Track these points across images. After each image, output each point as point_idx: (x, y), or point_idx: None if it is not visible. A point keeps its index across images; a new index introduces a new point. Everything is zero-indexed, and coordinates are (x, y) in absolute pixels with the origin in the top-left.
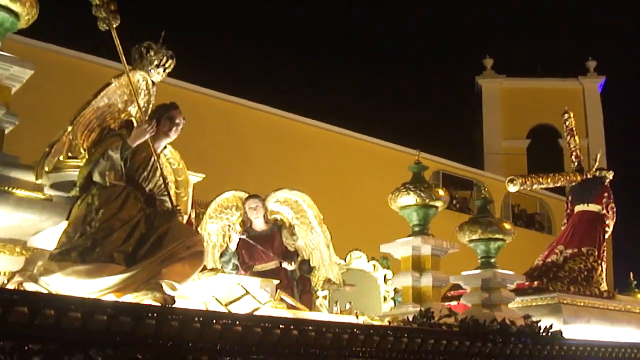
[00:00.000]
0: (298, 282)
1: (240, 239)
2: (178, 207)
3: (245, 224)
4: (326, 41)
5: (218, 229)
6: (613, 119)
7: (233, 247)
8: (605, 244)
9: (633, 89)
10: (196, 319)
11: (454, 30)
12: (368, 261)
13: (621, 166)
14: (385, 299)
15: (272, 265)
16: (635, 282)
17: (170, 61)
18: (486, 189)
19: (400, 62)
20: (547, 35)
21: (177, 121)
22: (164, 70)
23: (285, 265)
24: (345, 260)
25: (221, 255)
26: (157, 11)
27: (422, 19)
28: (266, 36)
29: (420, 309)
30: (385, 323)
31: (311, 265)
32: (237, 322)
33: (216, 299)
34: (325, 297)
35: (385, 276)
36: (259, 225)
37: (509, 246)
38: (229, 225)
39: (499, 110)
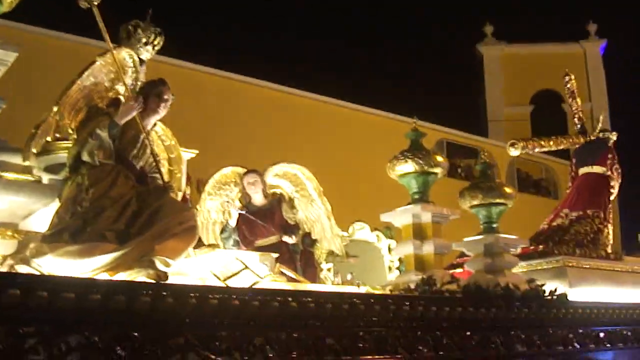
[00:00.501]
0: (301, 256)
1: (240, 214)
2: (170, 184)
3: (245, 199)
4: (323, 13)
5: (217, 205)
6: (616, 82)
7: (233, 223)
8: (611, 205)
9: (635, 51)
10: (192, 294)
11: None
12: (371, 232)
13: (625, 127)
14: (390, 269)
15: (273, 239)
16: None
17: (158, 38)
18: (486, 154)
19: (400, 32)
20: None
21: (165, 97)
22: (153, 48)
23: (286, 238)
24: (348, 232)
25: (221, 232)
26: None
27: None
28: (262, 12)
29: (422, 277)
30: (387, 292)
31: (313, 238)
32: (234, 296)
33: (214, 274)
34: (329, 270)
35: (389, 246)
36: (258, 200)
37: (515, 212)
38: (228, 201)
39: (501, 77)
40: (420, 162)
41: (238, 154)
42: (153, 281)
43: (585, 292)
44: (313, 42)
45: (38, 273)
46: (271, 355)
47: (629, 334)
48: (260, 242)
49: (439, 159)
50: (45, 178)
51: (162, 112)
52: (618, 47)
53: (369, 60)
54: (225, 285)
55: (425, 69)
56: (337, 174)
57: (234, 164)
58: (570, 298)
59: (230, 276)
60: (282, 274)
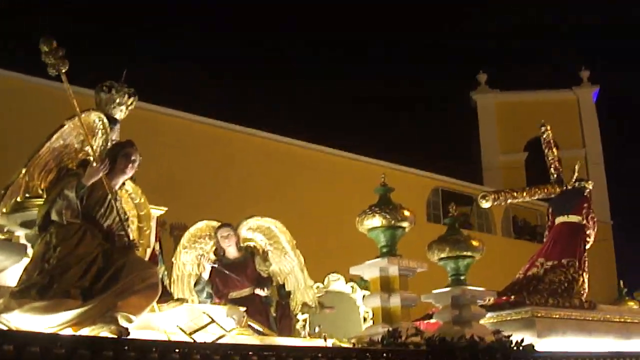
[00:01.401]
0: (277, 307)
1: (213, 267)
2: (134, 242)
3: (219, 252)
4: (312, 54)
5: (192, 258)
6: (610, 128)
7: (206, 276)
8: (586, 254)
9: (628, 96)
10: (153, 349)
11: (447, 47)
12: (346, 283)
13: (620, 174)
14: (365, 319)
15: (246, 292)
16: (625, 290)
17: (132, 99)
18: (454, 208)
19: (395, 81)
20: (540, 48)
21: (132, 158)
22: (127, 108)
23: (258, 291)
24: (323, 283)
25: (195, 284)
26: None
27: (415, 36)
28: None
29: (388, 329)
30: (351, 345)
31: (287, 290)
32: (195, 351)
33: (180, 329)
34: (305, 321)
35: (364, 297)
36: (231, 253)
37: (511, 258)
38: (203, 255)
39: (495, 125)
40: (388, 216)
41: (212, 207)
42: (115, 336)
43: (554, 343)
44: (302, 87)
45: (5, 328)
46: None
47: None
48: (233, 294)
49: (407, 213)
50: (22, 233)
51: (130, 172)
52: (611, 93)
53: (361, 108)
54: (188, 340)
55: (421, 118)
56: (311, 226)
57: (208, 218)
58: (537, 348)
59: (197, 330)
60: (250, 327)
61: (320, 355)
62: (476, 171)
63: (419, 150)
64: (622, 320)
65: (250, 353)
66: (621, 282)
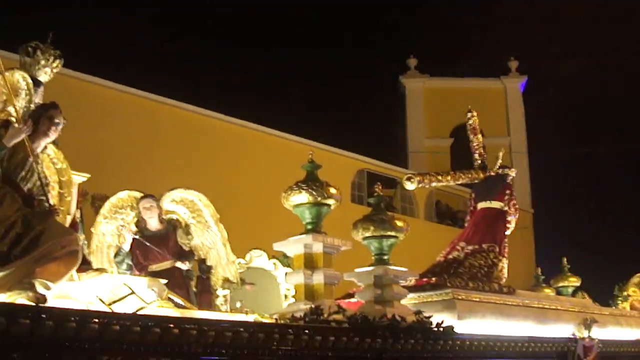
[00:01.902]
0: (197, 282)
1: (134, 239)
2: (55, 207)
3: (140, 224)
4: (245, 34)
5: (112, 229)
6: (535, 118)
7: (126, 247)
8: (506, 240)
9: (555, 87)
10: (72, 318)
11: (378, 30)
12: (269, 259)
13: (542, 164)
14: (286, 297)
15: (166, 265)
16: (543, 277)
17: (57, 61)
18: (379, 187)
19: (324, 63)
20: (471, 35)
21: (56, 121)
22: (51, 71)
23: (180, 264)
24: (245, 259)
25: (115, 256)
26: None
27: (348, 17)
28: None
29: (310, 306)
30: (273, 321)
31: (208, 264)
32: (115, 321)
33: (99, 299)
34: (225, 297)
35: (286, 274)
36: (153, 225)
37: (432, 242)
38: (123, 225)
39: (422, 110)
40: (314, 193)
41: (142, 174)
42: (32, 304)
43: (474, 325)
44: (233, 64)
45: None
46: None
47: None
48: (153, 267)
49: (333, 191)
50: None
51: (53, 135)
52: (538, 83)
53: (289, 86)
54: (107, 310)
55: (349, 99)
56: (235, 202)
57: (130, 188)
58: (457, 330)
59: (116, 301)
60: (170, 300)
61: (242, 329)
62: (402, 155)
63: (345, 132)
64: (540, 306)
65: (171, 325)
66: (539, 270)
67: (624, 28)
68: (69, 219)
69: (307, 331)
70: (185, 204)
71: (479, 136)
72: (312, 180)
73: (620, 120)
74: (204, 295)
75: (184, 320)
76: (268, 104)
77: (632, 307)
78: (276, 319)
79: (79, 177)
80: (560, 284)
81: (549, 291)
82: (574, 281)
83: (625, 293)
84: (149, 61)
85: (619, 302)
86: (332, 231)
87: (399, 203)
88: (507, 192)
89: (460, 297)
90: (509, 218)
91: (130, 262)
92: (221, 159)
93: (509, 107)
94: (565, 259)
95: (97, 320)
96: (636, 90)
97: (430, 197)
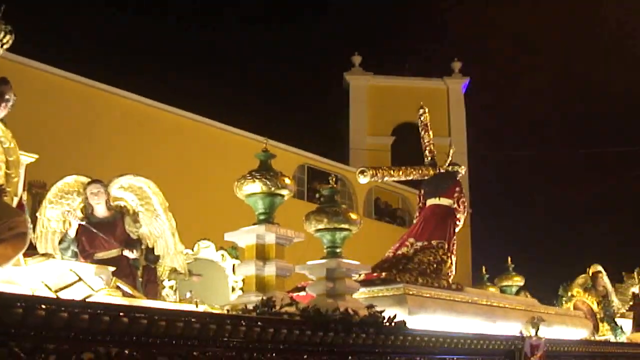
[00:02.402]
0: (143, 272)
1: (80, 225)
2: (3, 187)
3: (87, 210)
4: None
5: (58, 214)
6: (475, 119)
7: (72, 233)
8: (455, 237)
9: (496, 90)
10: (18, 303)
11: (323, 26)
12: (217, 251)
13: (481, 165)
14: (233, 289)
15: (113, 253)
16: (487, 276)
17: (8, 37)
18: (333, 179)
19: (270, 57)
20: (416, 35)
21: (6, 97)
22: (2, 46)
23: (127, 253)
24: (193, 250)
25: (60, 242)
26: None
27: (294, 14)
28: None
29: (262, 298)
30: (224, 312)
31: (155, 254)
32: (63, 308)
33: (45, 285)
34: (171, 287)
35: (234, 266)
36: (100, 211)
37: (370, 239)
38: (69, 211)
39: (365, 107)
40: (268, 183)
41: (83, 162)
42: None
43: (424, 320)
44: (179, 57)
45: None
46: None
47: None
48: (100, 254)
49: (287, 181)
50: None
51: (2, 112)
52: (480, 85)
53: (234, 79)
54: (55, 297)
55: (293, 94)
56: (186, 190)
57: (78, 173)
58: (409, 325)
59: (63, 288)
60: (118, 288)
61: (193, 319)
62: (343, 151)
63: (288, 126)
64: (489, 303)
65: (121, 314)
66: (484, 268)
67: (565, 33)
68: (15, 200)
69: (259, 323)
70: (133, 191)
71: (430, 133)
72: (265, 170)
73: (560, 123)
74: (150, 285)
75: (134, 308)
76: (213, 97)
77: (575, 307)
78: (228, 310)
79: (27, 158)
80: (505, 283)
81: (493, 290)
82: (518, 281)
83: (569, 293)
84: (93, 48)
85: (564, 302)
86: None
87: (338, 199)
88: (457, 189)
89: (411, 293)
90: (457, 215)
91: (75, 249)
92: (166, 150)
93: (451, 107)
94: (509, 259)
95: (44, 306)
96: (577, 94)
97: (369, 194)
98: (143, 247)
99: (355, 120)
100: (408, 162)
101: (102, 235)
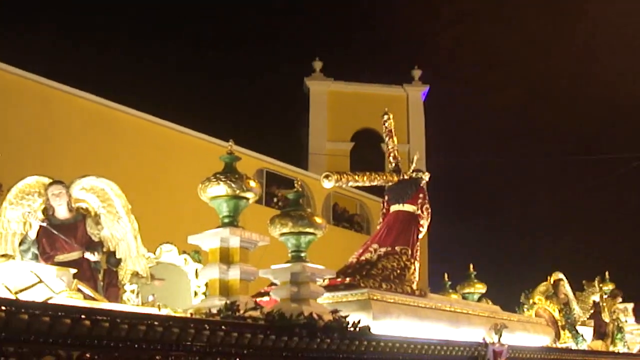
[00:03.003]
0: (105, 275)
1: (41, 226)
2: None
3: (48, 211)
4: (154, 30)
5: (18, 215)
6: (434, 127)
7: (33, 235)
8: (419, 243)
9: (455, 98)
10: None
11: (285, 31)
12: (179, 254)
13: (439, 173)
14: (196, 293)
15: (74, 255)
16: (449, 283)
17: None
18: (299, 183)
19: (230, 60)
20: (377, 43)
21: None
22: None
23: (88, 255)
24: (155, 254)
25: (20, 244)
26: None
27: (254, 17)
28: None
29: (226, 302)
30: (187, 315)
31: (117, 257)
32: (23, 310)
33: (5, 287)
34: (133, 291)
35: (196, 270)
36: (61, 213)
37: (328, 244)
38: (30, 212)
39: (325, 113)
40: (233, 185)
41: (41, 163)
42: None
43: (388, 326)
44: (142, 59)
45: None
46: None
47: None
48: (60, 257)
49: (252, 184)
50: None
51: None
52: (439, 94)
53: (194, 82)
54: (15, 298)
55: (254, 98)
56: (148, 193)
57: (36, 174)
58: (373, 331)
59: (23, 289)
60: (79, 291)
61: (156, 323)
62: (302, 156)
63: (247, 130)
64: (452, 309)
65: (82, 316)
66: (446, 275)
67: (529, 42)
68: None
69: (223, 327)
70: (95, 193)
71: (394, 139)
72: (230, 172)
73: (521, 131)
74: (112, 289)
75: (96, 311)
76: (173, 100)
77: (537, 315)
78: (191, 314)
79: None
80: (467, 290)
81: (455, 297)
82: (480, 288)
83: (531, 301)
84: (54, 49)
85: (525, 309)
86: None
87: (304, 203)
88: (421, 195)
89: (375, 298)
90: (421, 222)
91: (36, 251)
92: (127, 153)
93: (410, 114)
94: (472, 266)
95: (4, 308)
96: (535, 102)
97: (327, 199)
98: (104, 249)
99: (314, 126)
100: (367, 168)
101: (63, 237)
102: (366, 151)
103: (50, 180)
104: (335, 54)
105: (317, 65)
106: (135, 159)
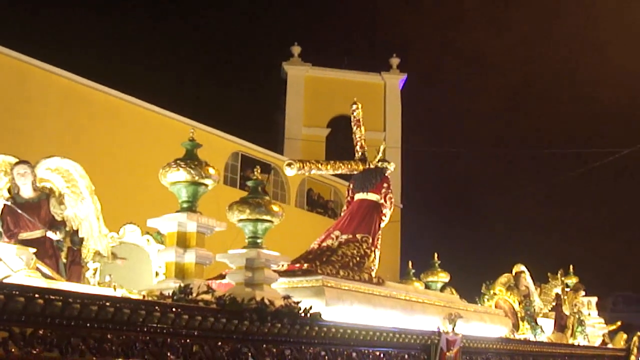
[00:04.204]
0: (68, 254)
1: (5, 205)
2: None
3: (13, 190)
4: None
5: None
6: (411, 116)
7: None
8: (380, 232)
9: (432, 88)
10: None
11: (264, 15)
12: (142, 235)
13: (415, 160)
14: (157, 274)
15: (37, 234)
16: (413, 271)
17: None
18: (258, 171)
19: (209, 43)
20: (356, 30)
21: None
22: None
23: (50, 234)
24: (118, 233)
25: None
26: None
27: (236, 1)
28: None
29: (180, 285)
30: (140, 297)
31: (80, 236)
32: None
33: None
34: (95, 270)
35: (158, 251)
36: (26, 192)
37: (302, 231)
38: None
39: (302, 98)
40: (192, 172)
41: (11, 140)
42: None
43: (341, 312)
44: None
45: None
46: (13, 350)
47: (382, 355)
48: (24, 235)
49: (212, 171)
50: None
51: None
52: (417, 82)
53: (172, 62)
54: None
55: (231, 81)
56: (115, 173)
57: (4, 152)
58: (325, 317)
59: None
60: (38, 270)
61: (107, 304)
62: (278, 140)
63: (224, 113)
64: (408, 298)
65: (36, 295)
66: (410, 263)
67: (507, 35)
68: None
69: (174, 309)
70: (60, 173)
71: (362, 129)
72: (190, 159)
73: (494, 123)
74: (74, 267)
75: (49, 290)
76: (149, 80)
77: (497, 306)
78: (144, 295)
79: None
80: (430, 279)
81: (418, 285)
82: (443, 277)
83: (492, 292)
84: (30, 24)
85: (486, 300)
86: (203, 211)
87: (271, 189)
88: (385, 185)
89: (329, 285)
90: (384, 211)
91: (0, 229)
92: (96, 130)
93: (387, 102)
94: (436, 255)
95: None
96: (513, 94)
97: (302, 184)
98: (67, 229)
99: (291, 111)
100: (342, 154)
101: (26, 215)
102: (342, 138)
103: (16, 160)
104: (314, 40)
105: (296, 50)
106: (107, 138)
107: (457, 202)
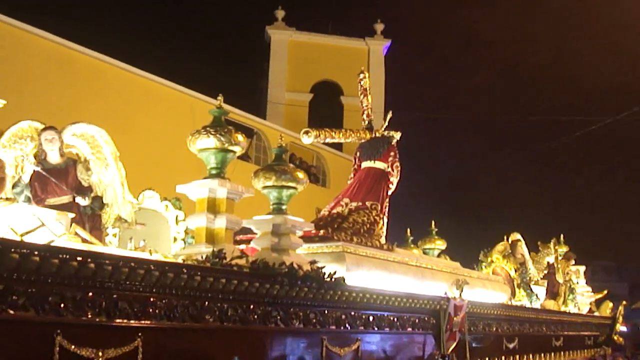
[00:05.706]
0: (88, 218)
1: (34, 170)
2: None
3: (40, 156)
4: None
5: (11, 159)
6: (394, 82)
7: (26, 178)
8: (388, 199)
9: (416, 55)
10: None
11: None
12: (161, 201)
13: (398, 128)
14: (175, 239)
15: (65, 199)
16: (411, 238)
17: None
18: (283, 139)
19: (194, 7)
20: None
21: None
22: None
23: (78, 200)
24: (137, 199)
25: (14, 187)
26: None
27: None
28: None
29: (213, 250)
30: (179, 261)
31: (104, 202)
32: (35, 252)
33: (12, 229)
34: (115, 235)
35: (177, 217)
36: (53, 158)
37: None
38: (23, 156)
39: (285, 62)
40: (222, 139)
41: (37, 108)
42: None
43: (361, 277)
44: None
45: None
46: (65, 314)
47: (395, 319)
48: (51, 200)
49: (240, 138)
50: None
51: None
52: (401, 49)
53: (157, 27)
54: (22, 241)
55: (213, 44)
56: (135, 141)
57: (32, 119)
58: (347, 282)
59: (28, 232)
60: (77, 234)
61: (153, 267)
62: (261, 105)
63: (206, 76)
64: (418, 264)
65: (88, 260)
66: (408, 230)
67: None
68: None
69: (213, 273)
70: (85, 139)
71: (369, 97)
72: (220, 126)
73: (480, 88)
74: (94, 232)
75: (100, 255)
76: (132, 44)
77: (494, 273)
78: (183, 260)
79: None
80: (427, 246)
81: (417, 252)
82: (440, 244)
83: (489, 259)
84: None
85: (483, 267)
86: (184, 179)
87: (253, 153)
88: (392, 153)
89: (349, 251)
90: (391, 179)
91: (29, 194)
92: (106, 102)
93: (371, 68)
94: (433, 222)
95: (17, 250)
96: (498, 59)
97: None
98: (93, 194)
99: (274, 75)
100: (325, 120)
101: (54, 181)
102: (325, 103)
103: (44, 126)
104: (298, 4)
105: (280, 14)
106: (124, 109)
107: (447, 169)
